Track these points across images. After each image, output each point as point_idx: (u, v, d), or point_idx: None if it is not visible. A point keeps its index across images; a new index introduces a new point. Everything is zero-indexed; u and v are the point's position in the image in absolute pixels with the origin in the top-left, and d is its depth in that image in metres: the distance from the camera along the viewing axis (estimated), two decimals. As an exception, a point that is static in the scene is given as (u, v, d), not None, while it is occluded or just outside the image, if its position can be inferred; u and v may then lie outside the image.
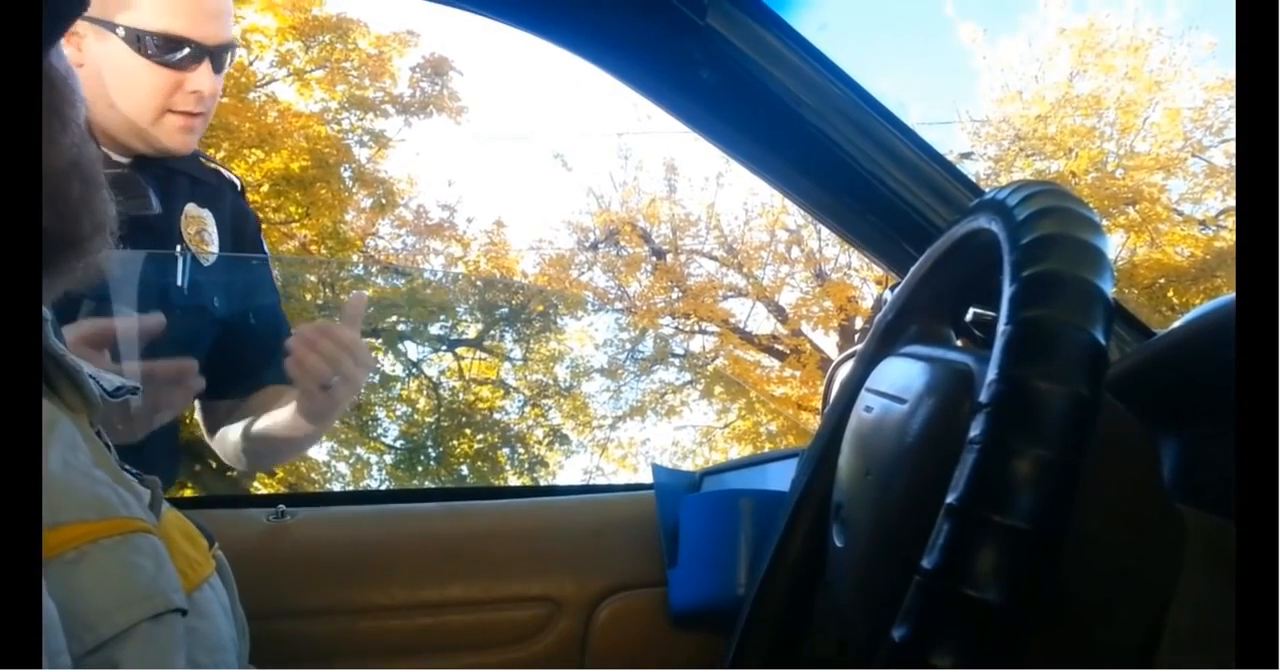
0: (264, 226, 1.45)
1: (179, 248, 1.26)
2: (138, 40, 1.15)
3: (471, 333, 9.64)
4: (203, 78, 1.18)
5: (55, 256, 0.53)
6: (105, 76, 1.17)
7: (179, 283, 1.25)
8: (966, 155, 9.82)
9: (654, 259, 10.63)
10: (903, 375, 0.65)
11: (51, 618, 0.44)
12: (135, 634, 0.50)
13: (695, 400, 9.89)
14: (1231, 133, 9.17)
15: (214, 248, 1.31)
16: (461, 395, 9.48)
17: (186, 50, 1.16)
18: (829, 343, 10.08)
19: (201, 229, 1.30)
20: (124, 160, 1.24)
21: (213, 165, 1.38)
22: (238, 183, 1.40)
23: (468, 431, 9.23)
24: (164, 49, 1.15)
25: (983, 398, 0.45)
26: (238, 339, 1.33)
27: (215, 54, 1.19)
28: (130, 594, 0.51)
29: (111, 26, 1.15)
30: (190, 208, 1.30)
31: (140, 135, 1.20)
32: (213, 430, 1.36)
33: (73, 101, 0.55)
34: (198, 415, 1.40)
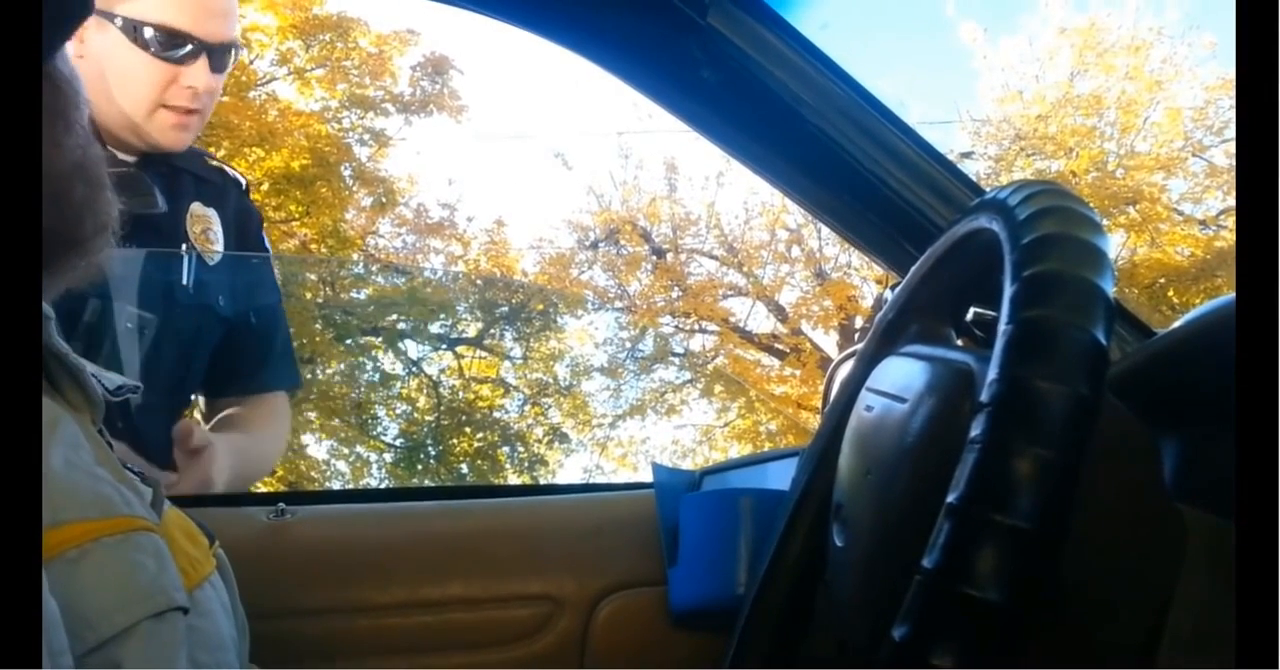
0: (264, 225, 1.46)
1: (184, 246, 1.26)
2: (135, 31, 1.14)
3: (471, 331, 9.64)
4: (199, 74, 1.17)
5: (57, 256, 0.54)
6: (104, 69, 1.16)
7: (184, 281, 1.26)
8: (967, 155, 9.81)
9: (654, 258, 10.63)
10: (903, 374, 0.65)
11: (54, 616, 0.44)
12: (137, 632, 0.50)
13: (695, 399, 9.89)
14: (1232, 132, 9.17)
15: (219, 246, 1.31)
16: (461, 394, 9.48)
17: (184, 45, 1.15)
18: (829, 342, 10.09)
19: (207, 228, 1.30)
20: (130, 159, 1.24)
21: (216, 164, 1.39)
22: (243, 181, 1.40)
23: (468, 430, 9.23)
24: (161, 42, 1.14)
25: (983, 397, 0.45)
26: (240, 338, 1.34)
27: (214, 51, 1.18)
28: (132, 592, 0.51)
29: (110, 17, 1.13)
30: (195, 206, 1.30)
31: (135, 131, 1.20)
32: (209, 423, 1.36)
33: (77, 103, 0.55)
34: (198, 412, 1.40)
